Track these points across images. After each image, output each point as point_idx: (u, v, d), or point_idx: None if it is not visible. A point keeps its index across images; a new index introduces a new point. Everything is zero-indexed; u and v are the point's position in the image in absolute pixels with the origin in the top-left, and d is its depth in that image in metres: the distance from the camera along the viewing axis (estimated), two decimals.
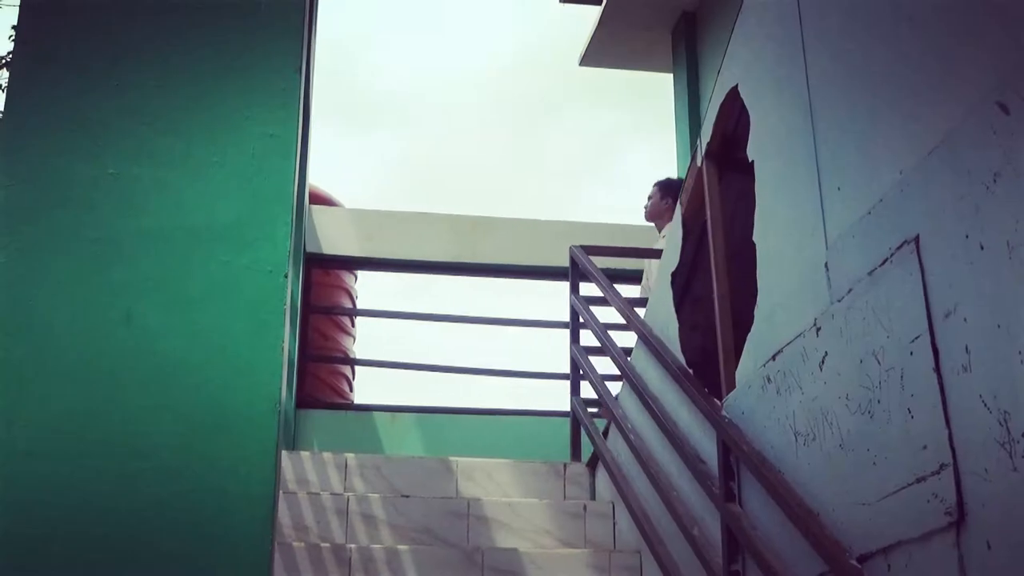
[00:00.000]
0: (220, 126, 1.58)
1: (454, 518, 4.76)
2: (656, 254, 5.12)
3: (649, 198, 6.34)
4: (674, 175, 7.09)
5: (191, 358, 1.49)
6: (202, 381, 1.50)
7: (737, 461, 3.43)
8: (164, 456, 1.47)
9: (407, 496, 4.86)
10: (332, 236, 7.82)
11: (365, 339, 8.16)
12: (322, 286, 7.94)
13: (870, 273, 2.61)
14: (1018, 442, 2.02)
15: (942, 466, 2.27)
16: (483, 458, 5.52)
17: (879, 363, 2.55)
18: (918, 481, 2.36)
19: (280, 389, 1.49)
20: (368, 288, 8.35)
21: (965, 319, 2.22)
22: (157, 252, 1.49)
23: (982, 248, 2.16)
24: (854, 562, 2.60)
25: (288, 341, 1.74)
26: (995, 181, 2.13)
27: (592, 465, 5.50)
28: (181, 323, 1.45)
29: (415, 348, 8.01)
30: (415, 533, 4.68)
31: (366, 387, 7.93)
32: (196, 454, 1.47)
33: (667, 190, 6.17)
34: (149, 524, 1.47)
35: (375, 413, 7.39)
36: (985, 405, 2.13)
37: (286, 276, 1.45)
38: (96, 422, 1.48)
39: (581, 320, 5.81)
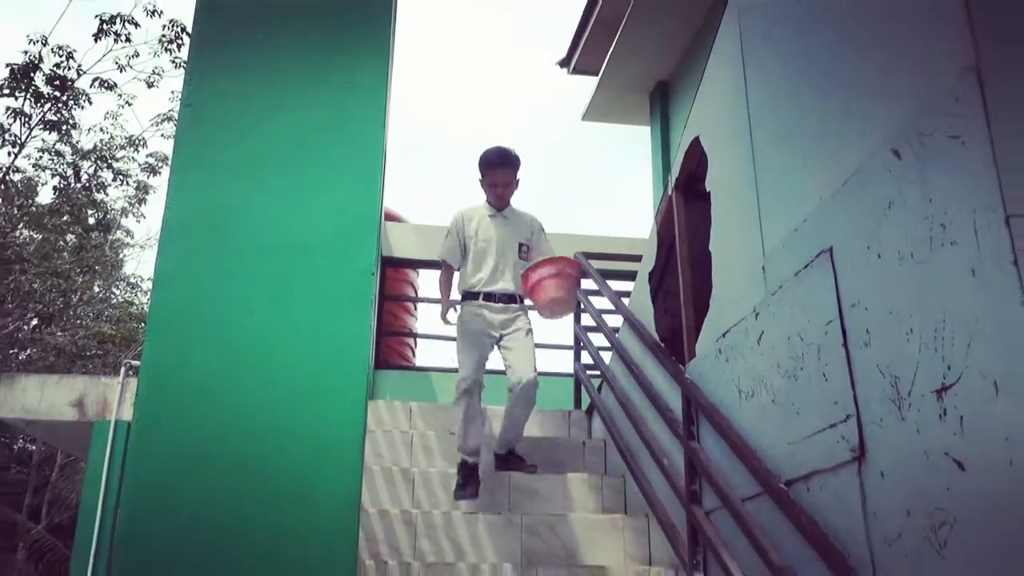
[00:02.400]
0: (323, 167, 1.60)
1: (487, 451, 4.76)
2: (637, 259, 5.09)
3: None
4: (651, 202, 7.04)
5: (300, 338, 1.50)
6: (310, 353, 1.50)
7: (696, 411, 3.42)
8: (277, 409, 1.48)
9: (454, 433, 4.87)
10: (399, 244, 7.87)
11: (425, 319, 8.18)
12: (392, 280, 8.00)
13: (796, 274, 2.60)
14: (904, 399, 2.01)
15: (848, 416, 2.26)
16: None
17: (802, 340, 2.54)
18: (830, 427, 2.35)
19: (369, 357, 1.50)
20: (427, 281, 8.37)
21: (866, 308, 2.20)
22: (275, 259, 1.51)
23: (879, 256, 2.15)
24: (782, 485, 2.60)
25: (372, 321, 1.75)
26: (889, 207, 2.11)
27: (589, 412, 5.50)
28: (301, 305, 1.47)
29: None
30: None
31: (425, 354, 7.94)
32: (304, 407, 1.48)
33: None
34: (266, 460, 1.48)
35: (431, 372, 7.41)
36: (880, 372, 2.12)
37: (373, 274, 1.46)
38: (228, 382, 1.48)
39: (582, 307, 5.80)
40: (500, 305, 4.35)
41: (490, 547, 3.81)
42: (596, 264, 5.85)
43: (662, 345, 3.97)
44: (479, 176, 4.50)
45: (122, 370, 7.32)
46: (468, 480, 4.16)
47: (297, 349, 1.47)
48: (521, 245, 4.51)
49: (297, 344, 1.47)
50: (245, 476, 1.42)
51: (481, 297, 4.36)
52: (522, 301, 4.44)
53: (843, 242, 2.33)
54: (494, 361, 4.43)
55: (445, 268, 4.63)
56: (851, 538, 2.22)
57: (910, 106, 2.06)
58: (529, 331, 4.39)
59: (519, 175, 4.54)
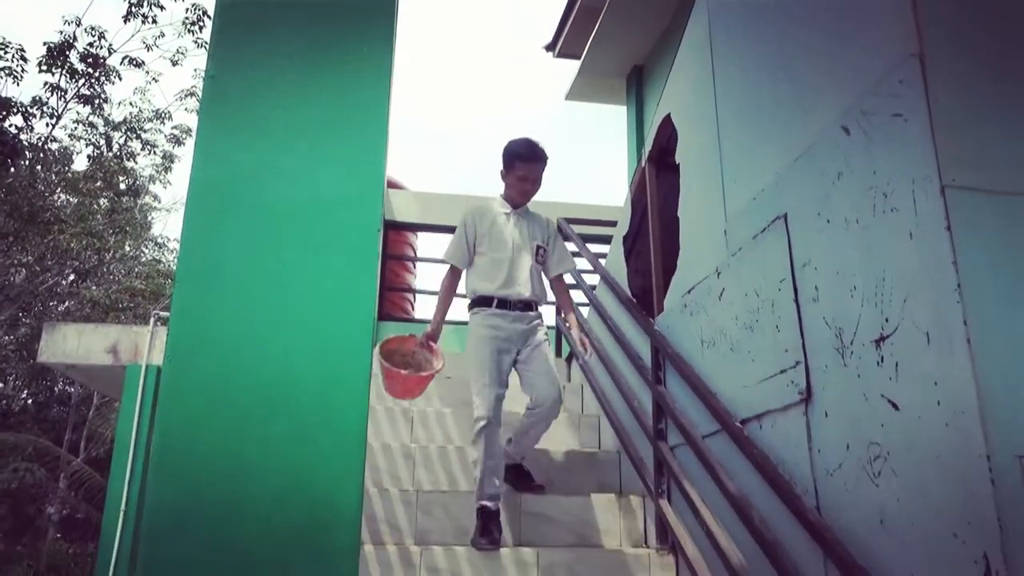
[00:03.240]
0: (335, 132, 1.58)
1: None
2: (613, 224, 5.09)
3: None
4: (627, 174, 7.01)
5: (314, 288, 1.50)
6: (323, 300, 1.50)
7: (663, 358, 3.45)
8: (293, 351, 1.48)
9: (450, 377, 4.90)
10: (400, 208, 7.83)
11: (423, 276, 8.16)
12: (394, 241, 7.97)
13: (754, 237, 2.60)
14: (847, 348, 2.03)
15: (797, 363, 2.28)
16: None
17: (758, 296, 2.56)
18: (781, 372, 2.38)
19: (374, 307, 1.51)
20: (425, 243, 8.35)
21: (815, 268, 2.22)
22: (292, 216, 1.50)
23: (828, 222, 2.16)
24: (738, 424, 2.63)
25: (377, 275, 1.75)
26: (838, 178, 2.12)
27: (569, 360, 5.53)
28: (314, 260, 1.46)
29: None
30: (455, 401, 4.73)
31: (423, 307, 7.95)
32: (317, 350, 1.48)
33: None
34: (282, 396, 1.48)
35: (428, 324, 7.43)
36: (827, 324, 2.14)
37: (379, 231, 1.46)
38: (248, 327, 1.49)
39: None
40: (517, 313, 3.53)
41: None
42: (577, 229, 5.84)
43: (634, 301, 3.99)
44: (505, 167, 3.61)
45: (151, 320, 7.30)
46: (489, 526, 3.29)
47: (312, 297, 1.47)
48: (538, 248, 3.66)
49: (312, 293, 1.47)
50: (264, 408, 1.43)
51: (495, 304, 3.52)
52: (538, 308, 3.66)
53: (796, 209, 2.34)
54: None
55: (451, 273, 3.66)
56: (797, 469, 2.26)
57: (858, 87, 2.05)
58: (548, 346, 3.64)
59: None
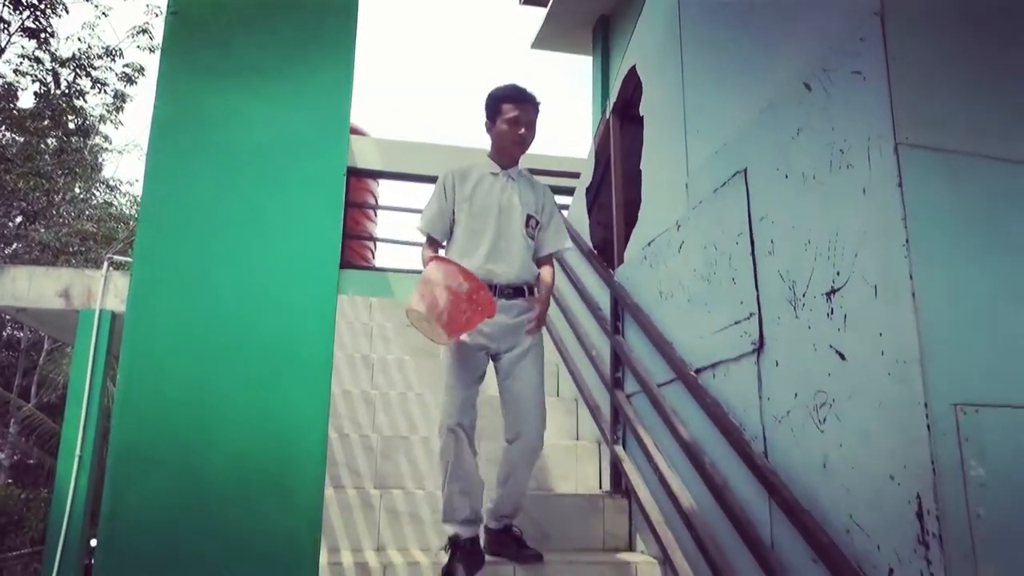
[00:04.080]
0: (301, 74, 1.56)
1: None
2: (577, 176, 5.10)
3: None
4: (592, 126, 6.99)
5: (280, 229, 1.49)
6: (287, 244, 1.50)
7: (622, 309, 3.52)
8: (257, 293, 1.48)
9: (409, 326, 4.92)
10: (362, 155, 7.74)
11: (384, 224, 8.09)
12: (355, 189, 7.90)
13: (714, 191, 2.65)
14: (799, 300, 2.10)
15: (751, 314, 2.35)
16: None
17: (716, 249, 2.61)
18: (735, 323, 2.44)
19: (338, 250, 1.50)
20: (386, 191, 8.27)
21: (772, 222, 2.27)
22: (257, 158, 1.48)
23: (786, 177, 2.20)
24: (692, 373, 2.71)
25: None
26: (798, 134, 2.16)
27: None
28: (279, 203, 1.45)
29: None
30: (414, 350, 4.76)
31: (384, 256, 7.91)
32: (278, 293, 1.48)
33: None
34: (246, 338, 1.48)
35: (389, 273, 7.41)
36: (781, 277, 2.20)
37: (344, 175, 1.46)
38: (212, 267, 1.48)
39: None
40: (501, 302, 2.79)
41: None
42: (540, 179, 5.84)
43: (595, 252, 4.03)
44: (490, 115, 2.94)
45: (105, 264, 7.16)
46: (464, 561, 2.63)
47: (277, 240, 1.46)
48: (529, 218, 2.93)
49: (277, 236, 1.46)
50: (229, 349, 1.43)
51: None
52: (531, 293, 2.91)
53: (756, 164, 2.38)
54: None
55: (429, 245, 2.92)
56: (748, 416, 2.35)
57: (821, 44, 2.08)
58: (539, 353, 2.90)
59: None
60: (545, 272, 2.99)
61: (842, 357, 1.89)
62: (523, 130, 2.88)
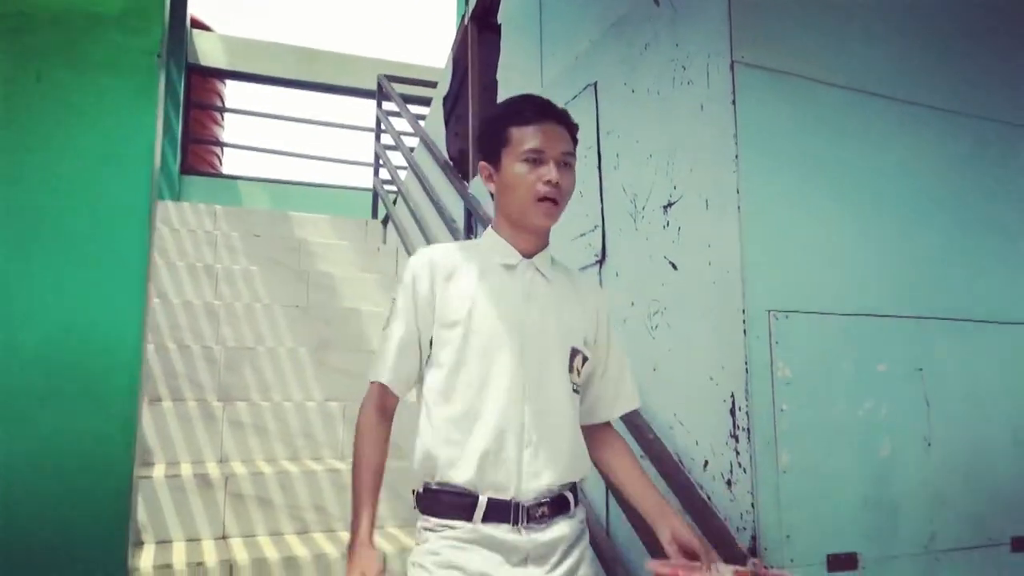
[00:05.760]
0: None
1: (290, 251, 4.69)
2: (435, 85, 4.99)
3: None
4: (452, 31, 6.81)
5: (82, 111, 1.35)
6: (91, 130, 1.36)
7: (475, 221, 3.53)
8: (58, 175, 1.34)
9: (258, 235, 4.73)
10: (207, 52, 7.21)
11: (232, 129, 7.63)
12: (200, 89, 7.38)
13: (566, 103, 2.66)
14: (639, 213, 2.17)
15: (596, 227, 2.41)
16: (312, 214, 5.41)
17: None
18: (581, 236, 2.51)
19: (153, 145, 1.38)
20: (234, 93, 7.77)
21: (618, 136, 2.32)
22: (60, 26, 1.32)
23: (633, 92, 2.24)
24: None
25: (163, 107, 1.61)
26: (645, 49, 2.19)
27: (385, 222, 5.50)
28: (85, 79, 1.32)
29: (273, 140, 7.53)
30: (263, 260, 4.59)
31: (232, 162, 7.48)
32: (88, 178, 1.35)
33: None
34: (47, 230, 1.36)
35: (239, 181, 7.04)
36: (624, 190, 2.27)
37: (159, 56, 1.33)
38: (15, 137, 1.33)
39: (383, 127, 5.67)
40: (529, 537, 1.38)
41: (288, 334, 3.83)
42: (397, 88, 5.69)
43: (451, 164, 3.99)
44: (490, 153, 1.50)
45: None
46: None
47: (84, 127, 1.32)
48: (575, 353, 1.51)
49: (83, 122, 1.32)
50: (36, 240, 1.31)
51: (482, 512, 1.36)
52: (576, 503, 1.49)
53: (606, 78, 2.41)
54: None
55: (374, 402, 1.46)
56: None
57: None
58: None
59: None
60: (625, 471, 1.58)
61: (674, 267, 1.99)
62: (554, 175, 1.43)
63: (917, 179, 2.04)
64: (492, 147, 1.50)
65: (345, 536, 2.64)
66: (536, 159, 1.43)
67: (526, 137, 1.44)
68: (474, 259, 1.51)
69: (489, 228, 1.57)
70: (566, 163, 1.46)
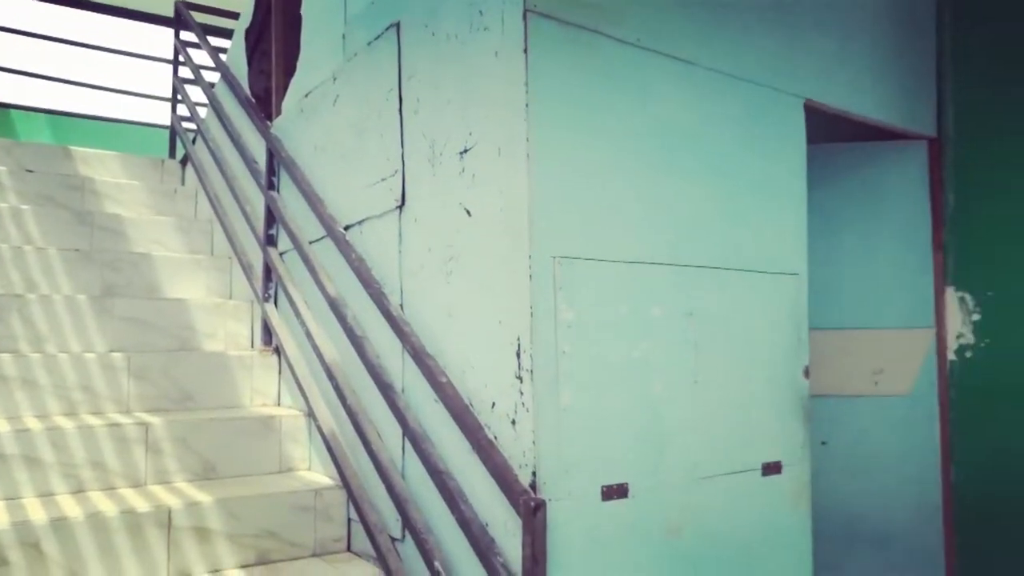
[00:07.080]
0: None
1: (71, 190, 4.26)
2: (237, 16, 4.66)
3: None
4: None
5: None
6: None
7: (278, 163, 3.38)
8: None
9: (31, 171, 4.25)
10: None
11: (9, 53, 6.72)
12: None
13: (368, 44, 2.59)
14: (438, 159, 2.17)
15: (396, 172, 2.39)
16: (99, 150, 4.93)
17: (368, 104, 2.58)
18: (382, 181, 2.47)
19: None
20: (10, 12, 6.83)
21: (420, 80, 2.29)
22: None
23: (433, 35, 2.21)
24: (341, 229, 2.71)
25: None
26: None
27: (183, 162, 5.13)
28: None
29: (57, 68, 6.70)
30: (37, 198, 4.14)
31: (7, 89, 6.60)
32: None
33: None
34: None
35: (12, 111, 6.26)
36: (423, 135, 2.25)
37: None
38: None
39: (181, 59, 5.24)
40: None
41: (66, 281, 3.50)
42: (198, 17, 5.29)
43: (254, 102, 3.77)
44: None
45: None
46: None
47: None
48: None
49: None
50: None
51: None
52: None
53: (409, 19, 2.36)
54: None
55: None
56: (388, 271, 2.42)
57: None
58: None
59: None
60: None
61: (468, 214, 2.01)
62: None
63: (691, 136, 2.18)
64: None
65: (126, 493, 2.50)
66: None
67: None
68: None
69: None
70: None
